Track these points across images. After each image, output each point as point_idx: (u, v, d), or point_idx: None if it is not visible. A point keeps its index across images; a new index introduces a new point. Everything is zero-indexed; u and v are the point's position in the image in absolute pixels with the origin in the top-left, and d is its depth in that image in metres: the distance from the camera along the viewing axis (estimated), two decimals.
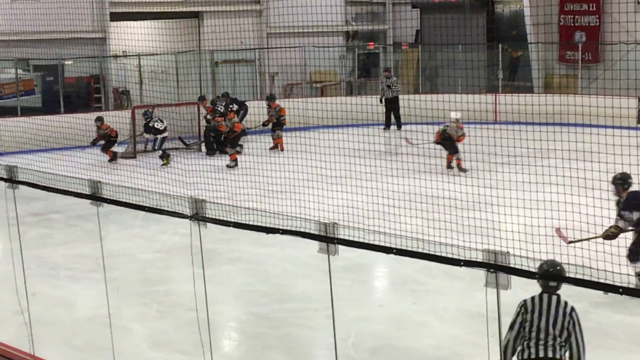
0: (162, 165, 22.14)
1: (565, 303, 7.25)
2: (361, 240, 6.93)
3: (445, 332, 10.83)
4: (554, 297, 7.24)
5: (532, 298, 7.29)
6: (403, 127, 25.98)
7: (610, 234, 11.13)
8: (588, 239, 11.09)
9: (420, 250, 6.62)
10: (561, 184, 11.53)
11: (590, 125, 15.40)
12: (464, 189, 13.33)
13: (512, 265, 6.22)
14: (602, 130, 12.93)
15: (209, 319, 8.20)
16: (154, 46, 27.79)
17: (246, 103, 25.80)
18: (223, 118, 22.98)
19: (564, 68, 29.14)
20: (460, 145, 19.41)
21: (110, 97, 28.76)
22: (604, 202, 11.22)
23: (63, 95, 26.97)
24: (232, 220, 7.65)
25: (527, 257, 6.97)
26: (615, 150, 11.98)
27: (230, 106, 24.19)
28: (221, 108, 24.21)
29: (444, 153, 19.66)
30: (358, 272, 12.80)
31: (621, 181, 11.52)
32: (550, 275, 7.15)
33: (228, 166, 21.48)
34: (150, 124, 22.81)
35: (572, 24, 28.88)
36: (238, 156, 22.15)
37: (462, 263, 6.35)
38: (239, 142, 23.43)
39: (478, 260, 6.29)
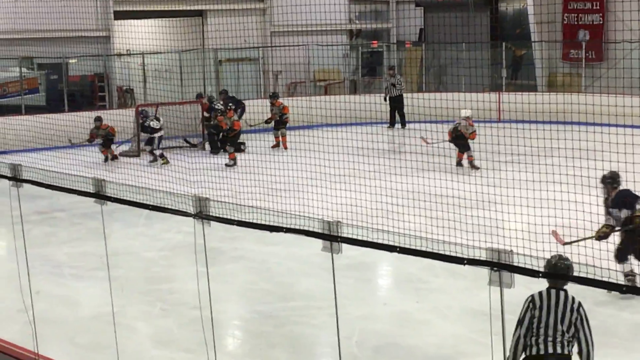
0: (153, 162, 22.11)
1: (573, 299, 7.27)
2: (365, 238, 6.93)
3: (448, 330, 10.83)
4: (562, 293, 7.25)
5: (540, 294, 7.29)
6: (409, 126, 25.97)
7: (602, 235, 11.16)
8: (584, 239, 11.10)
9: (423, 248, 6.62)
10: (565, 183, 11.54)
11: (594, 124, 15.38)
12: (468, 187, 13.35)
13: (515, 264, 6.22)
14: (606, 128, 12.94)
15: (212, 317, 8.21)
16: (157, 44, 27.85)
17: (244, 102, 25.74)
18: (223, 116, 22.94)
19: (567, 66, 29.12)
20: (470, 143, 19.47)
21: (114, 95, 28.78)
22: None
23: (67, 94, 27.01)
24: (236, 218, 7.65)
25: (531, 256, 6.97)
26: (619, 149, 11.96)
27: (230, 105, 24.12)
28: (218, 105, 24.17)
29: (452, 152, 19.67)
30: (362, 271, 12.80)
31: (611, 180, 11.52)
32: (553, 274, 7.16)
33: (227, 165, 21.41)
34: (146, 123, 22.76)
35: (575, 23, 28.86)
36: (241, 154, 22.13)
37: (465, 261, 6.35)
38: (241, 141, 23.44)
39: (481, 258, 6.29)
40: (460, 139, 19.72)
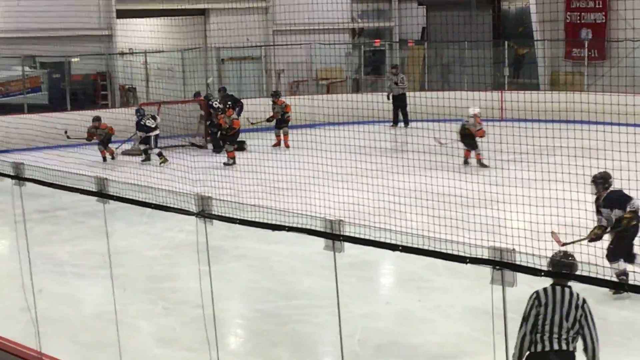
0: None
1: (577, 295, 7.29)
2: (367, 237, 6.94)
3: (450, 329, 10.83)
4: (567, 290, 7.27)
5: (545, 290, 7.30)
6: (412, 124, 25.96)
7: (594, 237, 11.17)
8: (579, 241, 11.11)
9: (426, 247, 6.62)
10: (567, 181, 11.53)
11: (597, 123, 15.37)
12: (470, 186, 13.35)
13: (518, 263, 6.22)
14: (609, 127, 12.93)
15: (215, 316, 8.22)
16: (160, 43, 27.83)
17: (242, 100, 25.70)
18: (223, 114, 22.91)
19: (570, 65, 29.10)
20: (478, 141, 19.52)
21: (117, 94, 28.78)
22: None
23: (69, 93, 27.02)
24: (238, 217, 7.66)
25: (533, 255, 6.98)
26: (622, 148, 11.95)
27: (228, 103, 24.05)
28: (215, 104, 24.14)
29: (455, 150, 19.67)
30: (364, 269, 12.80)
31: (602, 180, 11.52)
32: (556, 273, 7.16)
33: (225, 164, 21.33)
34: (142, 122, 22.73)
35: (578, 21, 28.83)
36: (243, 153, 22.12)
37: (467, 260, 6.35)
38: (242, 140, 23.41)
39: (484, 257, 6.29)
40: (468, 138, 19.77)
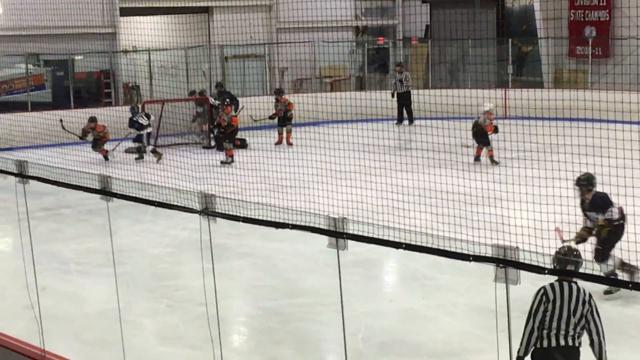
0: (139, 159, 21.97)
1: (584, 290, 7.31)
2: (370, 235, 6.93)
3: (454, 327, 10.83)
4: (574, 286, 7.29)
5: (552, 286, 7.31)
6: (417, 122, 25.98)
7: (580, 239, 11.16)
8: (569, 241, 11.11)
9: (429, 245, 6.61)
10: (571, 179, 11.53)
11: (600, 120, 15.36)
12: (474, 184, 13.34)
13: (521, 261, 6.21)
14: (612, 125, 12.94)
15: (218, 314, 8.21)
16: (163, 41, 27.84)
17: (238, 98, 25.66)
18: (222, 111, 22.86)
19: (574, 63, 29.08)
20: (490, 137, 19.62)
21: (120, 92, 28.79)
22: (613, 197, 11.21)
23: (73, 90, 27.03)
24: (242, 215, 7.65)
25: (537, 252, 6.96)
26: (625, 146, 11.95)
27: (227, 100, 23.97)
28: (211, 101, 24.12)
29: (459, 149, 19.68)
30: (367, 267, 12.80)
31: (586, 182, 11.48)
32: (560, 271, 7.16)
33: (223, 162, 21.24)
34: (134, 118, 22.69)
35: (582, 19, 28.80)
36: (245, 151, 22.09)
37: (471, 258, 6.34)
38: (243, 137, 23.38)
39: (487, 255, 6.29)
40: (480, 135, 19.85)
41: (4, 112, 24.65)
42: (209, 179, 15.42)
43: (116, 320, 9.25)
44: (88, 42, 27.53)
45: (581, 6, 28.74)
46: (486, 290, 7.56)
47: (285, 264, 13.51)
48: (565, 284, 7.29)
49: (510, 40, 29.27)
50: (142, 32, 25.70)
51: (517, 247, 6.26)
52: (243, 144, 23.30)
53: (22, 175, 9.41)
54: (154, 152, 22.23)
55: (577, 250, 7.74)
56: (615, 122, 15.11)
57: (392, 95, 27.08)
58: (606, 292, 10.78)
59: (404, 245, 6.69)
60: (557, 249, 7.86)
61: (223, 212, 7.71)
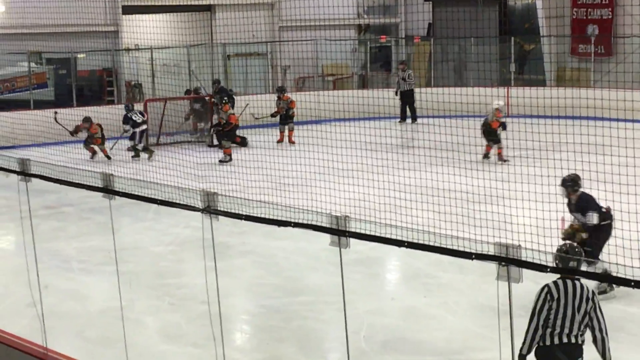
0: (135, 157, 21.92)
1: (587, 287, 7.32)
2: (373, 233, 6.93)
3: (456, 325, 10.83)
4: (577, 283, 7.31)
5: (556, 285, 7.31)
6: (420, 120, 26.00)
7: (566, 236, 11.15)
8: (562, 237, 11.13)
9: (431, 243, 6.61)
10: None
11: (603, 119, 15.34)
12: (476, 182, 13.33)
13: (523, 259, 6.21)
14: (615, 123, 12.92)
15: (220, 312, 8.21)
16: (166, 39, 27.86)
17: (234, 96, 25.64)
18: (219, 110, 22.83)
19: (576, 61, 29.08)
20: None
21: (123, 90, 28.80)
22: (616, 195, 11.20)
23: (76, 89, 27.04)
24: (244, 213, 7.64)
25: (539, 251, 6.95)
26: (628, 144, 11.95)
27: (225, 98, 23.91)
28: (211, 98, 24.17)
29: (460, 146, 19.69)
30: (370, 265, 12.80)
31: (571, 183, 11.45)
32: (562, 269, 7.16)
33: (221, 161, 21.21)
34: (128, 115, 22.67)
35: (584, 17, 28.80)
36: (247, 149, 22.07)
37: (473, 256, 6.34)
38: (243, 135, 23.35)
39: (490, 253, 6.28)
40: (489, 133, 19.96)
41: (6, 110, 24.67)
42: (212, 177, 15.43)
43: (118, 318, 9.25)
44: (90, 40, 27.55)
45: (584, 4, 28.74)
46: (488, 289, 7.57)
47: (288, 262, 13.51)
48: (569, 282, 7.30)
49: (512, 38, 29.27)
50: (145, 30, 25.69)
51: (520, 245, 6.25)
52: (243, 142, 23.28)
53: (25, 173, 9.41)
54: (145, 149, 22.21)
55: (578, 248, 7.75)
56: (617, 120, 15.06)
57: (396, 94, 27.14)
58: (600, 292, 10.76)
59: (406, 244, 6.68)
60: (559, 247, 7.86)
61: (225, 210, 7.71)
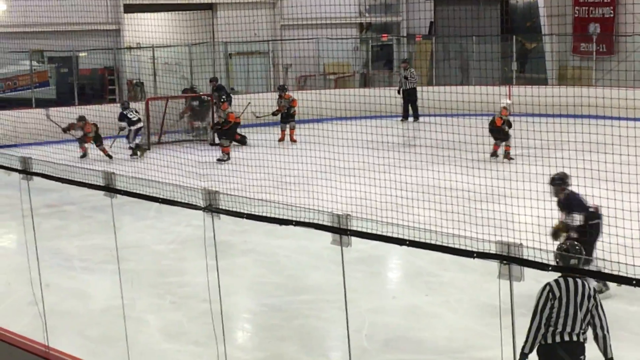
0: (133, 156, 21.89)
1: (588, 285, 7.33)
2: (374, 232, 6.93)
3: (458, 324, 10.83)
4: (579, 282, 7.31)
5: (558, 283, 7.31)
6: (422, 119, 26.00)
7: (553, 233, 11.15)
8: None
9: (433, 242, 6.61)
10: (575, 176, 11.51)
11: (605, 117, 15.34)
12: (478, 180, 13.32)
13: (525, 257, 6.21)
14: (617, 122, 12.89)
15: (222, 311, 8.22)
16: (167, 38, 27.84)
17: (230, 94, 25.62)
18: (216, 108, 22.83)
19: (578, 60, 29.07)
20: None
21: (124, 89, 28.79)
22: (617, 193, 11.19)
23: (77, 87, 27.04)
24: (246, 211, 7.65)
25: (541, 249, 6.95)
26: (630, 142, 11.94)
27: (223, 96, 23.88)
28: (205, 97, 24.18)
29: (462, 145, 19.69)
30: (371, 264, 12.80)
31: (560, 181, 11.46)
32: (564, 267, 7.16)
33: (219, 160, 21.17)
34: (124, 113, 22.66)
35: (586, 16, 28.78)
36: (248, 147, 22.04)
37: (475, 255, 6.34)
38: (244, 134, 23.34)
39: (491, 252, 6.28)
40: (496, 132, 20.04)
41: (8, 109, 24.66)
42: (213, 175, 15.43)
43: (120, 316, 9.26)
44: (92, 38, 27.54)
45: (585, 3, 28.72)
46: (490, 287, 7.56)
47: (289, 260, 13.52)
48: (570, 280, 7.31)
49: (514, 37, 29.25)
50: (146, 28, 25.72)
51: (521, 244, 6.25)
52: (242, 141, 23.25)
53: (27, 172, 9.41)
54: (137, 147, 22.20)
55: (579, 246, 7.75)
56: (619, 118, 15.02)
57: (398, 92, 27.15)
58: (595, 292, 10.74)
59: (407, 242, 6.68)
60: (559, 245, 7.86)
61: (227, 208, 7.71)
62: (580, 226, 11.08)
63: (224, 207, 7.72)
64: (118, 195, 8.67)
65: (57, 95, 27.29)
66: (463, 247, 6.46)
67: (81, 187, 9.12)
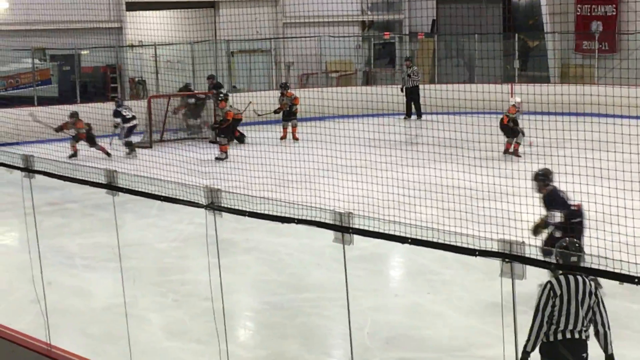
0: (128, 155, 21.91)
1: (589, 282, 7.32)
2: (377, 229, 6.92)
3: (460, 322, 10.82)
4: (580, 279, 7.30)
5: (558, 281, 7.31)
6: (425, 117, 26.00)
7: (534, 231, 11.15)
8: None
9: (435, 240, 6.60)
10: (577, 174, 11.50)
11: (607, 115, 15.35)
12: (480, 178, 13.31)
13: (527, 255, 6.20)
14: (619, 120, 12.88)
15: (224, 309, 8.21)
16: (170, 36, 27.86)
17: (228, 93, 25.59)
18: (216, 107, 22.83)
19: (580, 58, 29.05)
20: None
21: (127, 87, 28.80)
22: (619, 192, 11.19)
23: (79, 85, 27.04)
24: (248, 209, 7.64)
25: (543, 247, 6.95)
26: (632, 140, 11.91)
27: (222, 95, 23.83)
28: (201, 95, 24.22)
29: (464, 143, 19.69)
30: (373, 262, 12.79)
31: (543, 177, 11.47)
32: (566, 265, 7.15)
33: (217, 158, 21.14)
34: (118, 110, 22.66)
35: (588, 14, 28.76)
36: (248, 145, 22.02)
37: (477, 253, 6.33)
38: (243, 132, 23.32)
39: (493, 250, 6.28)
40: (506, 130, 20.14)
41: (10, 106, 24.65)
42: (215, 173, 15.42)
43: (122, 314, 9.26)
44: (94, 36, 27.54)
45: (588, 1, 28.70)
46: (492, 285, 7.55)
47: (291, 258, 13.52)
48: (571, 277, 7.30)
49: (516, 35, 29.24)
50: (149, 26, 25.71)
51: (524, 242, 6.25)
52: (241, 139, 23.23)
53: (29, 169, 9.41)
54: (127, 144, 22.18)
55: (578, 243, 7.74)
56: (622, 117, 15.06)
57: (401, 90, 27.16)
58: (597, 288, 10.73)
59: (410, 240, 6.68)
60: (559, 243, 7.84)
61: (229, 206, 7.71)
62: (560, 223, 11.08)
63: (226, 205, 7.72)
64: (120, 193, 8.67)
65: (59, 93, 27.31)
66: (465, 245, 6.45)
67: (83, 185, 9.12)
